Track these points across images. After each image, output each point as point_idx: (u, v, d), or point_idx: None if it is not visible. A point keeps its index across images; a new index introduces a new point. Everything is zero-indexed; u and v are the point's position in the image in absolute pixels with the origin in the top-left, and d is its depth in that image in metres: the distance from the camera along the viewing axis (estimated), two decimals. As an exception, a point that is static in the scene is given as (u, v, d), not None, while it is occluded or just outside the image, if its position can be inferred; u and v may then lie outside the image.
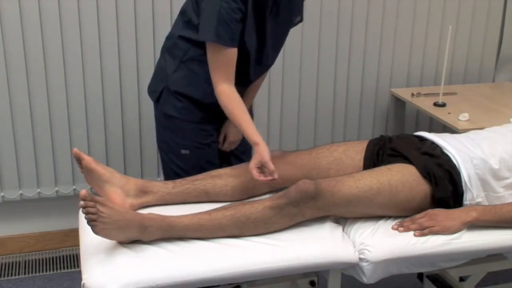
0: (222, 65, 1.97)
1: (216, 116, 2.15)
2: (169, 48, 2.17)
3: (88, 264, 1.70)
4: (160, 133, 2.25)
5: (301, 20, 2.23)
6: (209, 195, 2.01)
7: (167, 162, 2.23)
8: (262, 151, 1.90)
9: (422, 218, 1.87)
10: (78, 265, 2.79)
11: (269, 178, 1.87)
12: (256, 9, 2.01)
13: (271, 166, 1.87)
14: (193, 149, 2.16)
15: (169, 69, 2.15)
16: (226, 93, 1.98)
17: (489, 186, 1.96)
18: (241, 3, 1.94)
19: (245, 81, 2.18)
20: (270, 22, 2.07)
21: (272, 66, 2.26)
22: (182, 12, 2.13)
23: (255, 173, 1.87)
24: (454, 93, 3.07)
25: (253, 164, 1.89)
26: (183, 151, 2.17)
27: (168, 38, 2.20)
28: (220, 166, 2.19)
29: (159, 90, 2.18)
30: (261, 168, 1.89)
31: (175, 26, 2.18)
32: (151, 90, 2.26)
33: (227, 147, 2.27)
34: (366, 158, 2.07)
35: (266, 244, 1.79)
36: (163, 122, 2.21)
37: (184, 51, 2.11)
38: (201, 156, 2.16)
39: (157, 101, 2.21)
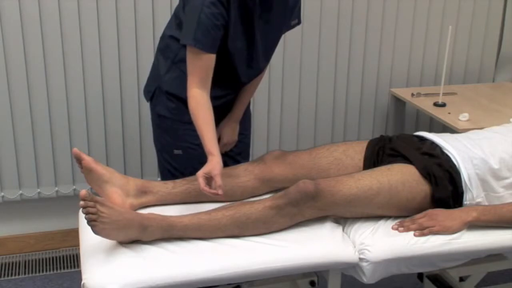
0: (198, 70, 1.96)
1: None
2: (161, 48, 2.17)
3: (88, 264, 1.70)
4: (155, 133, 2.25)
5: (298, 23, 2.22)
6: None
7: (162, 161, 2.24)
8: (215, 163, 1.85)
9: (422, 218, 1.87)
10: (78, 265, 2.79)
11: (213, 191, 1.82)
12: (242, 14, 2.00)
13: (218, 180, 1.82)
14: (186, 149, 2.16)
15: (161, 70, 2.15)
16: (197, 98, 1.96)
17: (489, 186, 1.96)
18: (223, 9, 1.93)
19: (237, 84, 2.18)
20: (259, 26, 2.05)
21: (272, 66, 2.25)
22: (175, 13, 2.13)
23: (201, 181, 1.82)
24: (454, 93, 3.07)
25: (201, 172, 1.84)
26: (176, 151, 2.17)
27: (161, 38, 2.20)
28: None
29: (152, 90, 2.18)
30: (209, 179, 1.85)
31: (167, 26, 2.18)
32: (145, 90, 2.26)
33: (221, 148, 2.25)
34: (366, 158, 2.07)
35: (266, 244, 1.79)
36: (157, 122, 2.21)
37: (175, 52, 2.11)
38: (194, 156, 2.15)
39: (150, 101, 2.21)
